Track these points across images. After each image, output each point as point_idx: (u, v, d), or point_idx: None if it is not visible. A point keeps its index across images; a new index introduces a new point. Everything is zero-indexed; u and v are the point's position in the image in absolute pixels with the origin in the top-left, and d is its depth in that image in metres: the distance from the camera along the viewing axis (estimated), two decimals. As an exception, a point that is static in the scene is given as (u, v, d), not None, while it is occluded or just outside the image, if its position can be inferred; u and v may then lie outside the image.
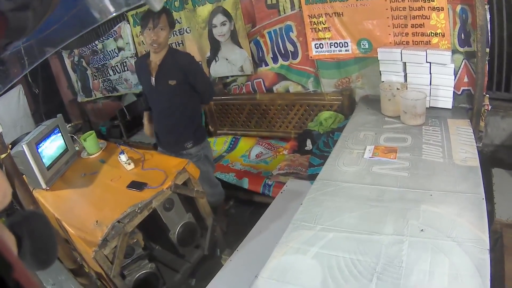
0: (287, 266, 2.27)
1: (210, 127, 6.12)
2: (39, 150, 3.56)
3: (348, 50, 4.42)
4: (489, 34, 3.46)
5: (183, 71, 3.73)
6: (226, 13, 5.03)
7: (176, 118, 3.92)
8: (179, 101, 3.86)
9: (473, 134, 3.31)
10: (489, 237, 2.19)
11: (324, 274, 2.15)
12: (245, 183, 4.73)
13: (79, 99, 7.78)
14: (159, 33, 3.59)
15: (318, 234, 2.45)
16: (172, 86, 3.74)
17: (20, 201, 2.79)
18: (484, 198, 2.51)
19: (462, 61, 3.78)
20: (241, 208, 5.07)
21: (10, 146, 2.75)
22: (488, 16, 3.38)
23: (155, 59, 3.79)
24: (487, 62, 3.56)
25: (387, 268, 2.10)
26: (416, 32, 3.85)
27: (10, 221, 0.86)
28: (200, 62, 5.56)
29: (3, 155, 2.59)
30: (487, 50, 3.50)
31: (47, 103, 7.25)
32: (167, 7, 4.83)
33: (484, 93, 3.67)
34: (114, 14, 1.21)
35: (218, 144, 5.81)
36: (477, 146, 3.16)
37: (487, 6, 3.33)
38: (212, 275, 3.26)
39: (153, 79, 3.82)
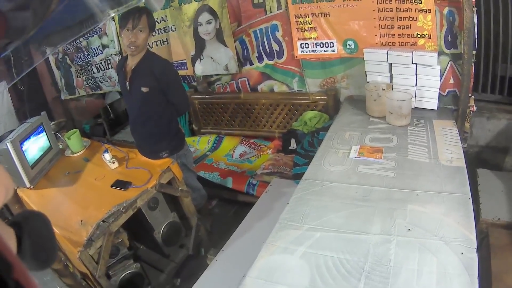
0: (275, 266, 2.26)
1: (194, 125, 6.11)
2: (23, 148, 3.51)
3: (333, 50, 4.42)
4: (476, 36, 3.48)
5: (157, 78, 3.58)
6: (212, 12, 5.02)
7: (151, 127, 3.81)
8: (153, 110, 3.73)
9: (458, 135, 3.34)
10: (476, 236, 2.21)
11: (313, 273, 2.15)
12: (229, 183, 4.72)
13: (63, 97, 7.69)
14: (138, 34, 3.44)
15: (305, 233, 2.45)
16: (144, 93, 3.60)
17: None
18: (471, 198, 2.53)
19: (448, 63, 3.81)
20: (225, 208, 5.06)
21: (-8, 144, 2.73)
22: (476, 19, 3.40)
23: (131, 62, 3.65)
24: (473, 64, 3.59)
25: (375, 267, 2.11)
26: (403, 34, 3.87)
27: (10, 221, 0.86)
28: (184, 61, 5.56)
29: (-14, 154, 2.57)
30: (474, 52, 3.52)
31: (30, 101, 7.09)
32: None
33: (470, 95, 3.71)
34: (113, 14, 1.21)
35: (201, 143, 5.80)
36: (462, 147, 3.18)
37: (474, 9, 3.36)
38: (197, 275, 3.25)
39: (127, 83, 3.70)
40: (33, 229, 0.92)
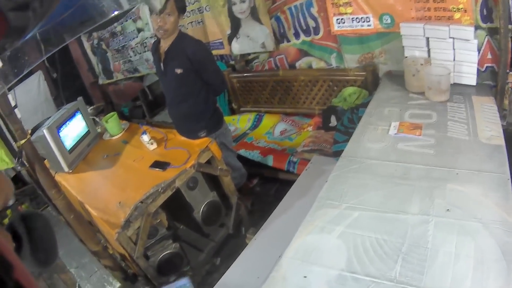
0: (312, 246, 2.24)
1: (233, 104, 6.10)
2: (61, 134, 3.58)
3: (370, 25, 4.31)
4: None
5: (190, 59, 3.56)
6: (245, -10, 4.95)
7: (187, 107, 3.80)
8: (188, 90, 3.73)
9: (497, 112, 3.22)
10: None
11: (349, 254, 2.11)
12: (270, 161, 4.69)
13: (100, 81, 7.79)
14: (166, 19, 3.42)
15: (343, 212, 2.41)
16: (178, 74, 3.61)
17: (41, 186, 2.79)
18: (510, 178, 2.44)
19: (485, 37, 3.65)
20: (266, 186, 5.05)
21: (29, 132, 2.75)
22: None
23: (164, 45, 3.66)
24: (510, 38, 3.45)
25: (412, 249, 2.06)
26: (438, 7, 3.73)
27: (10, 221, 0.89)
28: (220, 40, 5.53)
29: (23, 141, 2.59)
30: (510, 26, 3.39)
31: (68, 87, 7.23)
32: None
33: (508, 71, 3.57)
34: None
35: (241, 122, 5.78)
36: (501, 125, 3.07)
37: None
38: (236, 254, 3.26)
39: (162, 65, 3.72)
40: (32, 230, 0.94)
